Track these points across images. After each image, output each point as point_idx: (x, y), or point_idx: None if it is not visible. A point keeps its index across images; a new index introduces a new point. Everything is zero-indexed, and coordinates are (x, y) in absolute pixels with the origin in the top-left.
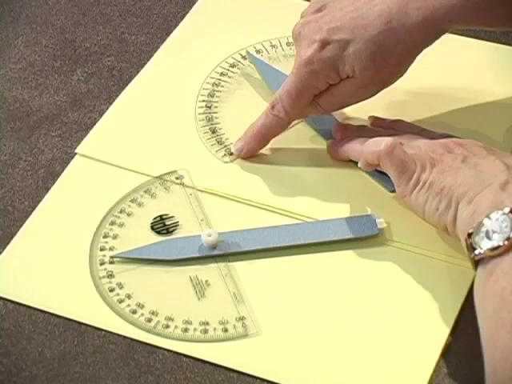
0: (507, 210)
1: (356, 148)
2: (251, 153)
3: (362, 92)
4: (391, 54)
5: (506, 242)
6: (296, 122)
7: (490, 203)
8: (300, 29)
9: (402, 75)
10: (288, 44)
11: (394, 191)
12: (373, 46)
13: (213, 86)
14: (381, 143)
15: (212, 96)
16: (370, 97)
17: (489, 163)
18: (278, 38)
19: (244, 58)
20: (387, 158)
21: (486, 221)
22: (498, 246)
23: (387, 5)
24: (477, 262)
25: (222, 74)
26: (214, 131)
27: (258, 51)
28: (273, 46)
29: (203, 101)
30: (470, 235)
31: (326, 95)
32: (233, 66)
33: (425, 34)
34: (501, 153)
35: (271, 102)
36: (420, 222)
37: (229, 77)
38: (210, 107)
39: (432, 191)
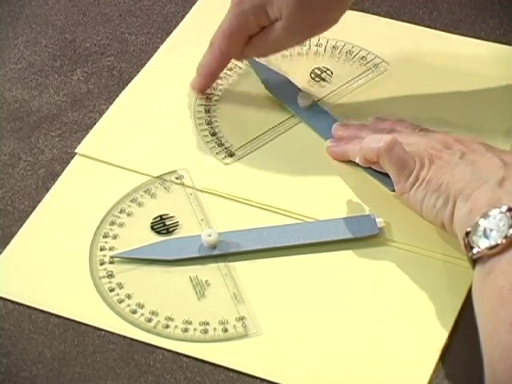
0: (505, 208)
1: (355, 148)
2: (203, 89)
3: (291, 36)
4: None
5: (503, 241)
6: (296, 122)
7: (488, 201)
8: None
9: (331, 23)
10: None
11: (394, 191)
12: None
13: (211, 89)
14: (380, 140)
15: (210, 99)
16: (300, 42)
17: (486, 160)
18: None
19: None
20: (386, 156)
21: (483, 219)
22: (496, 245)
23: None
24: (475, 261)
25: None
26: (213, 134)
27: None
28: None
29: (202, 104)
30: (467, 234)
31: (259, 37)
32: (230, 69)
33: None
34: (500, 150)
35: (210, 40)
36: (420, 222)
37: (226, 79)
38: (208, 110)
39: (430, 188)
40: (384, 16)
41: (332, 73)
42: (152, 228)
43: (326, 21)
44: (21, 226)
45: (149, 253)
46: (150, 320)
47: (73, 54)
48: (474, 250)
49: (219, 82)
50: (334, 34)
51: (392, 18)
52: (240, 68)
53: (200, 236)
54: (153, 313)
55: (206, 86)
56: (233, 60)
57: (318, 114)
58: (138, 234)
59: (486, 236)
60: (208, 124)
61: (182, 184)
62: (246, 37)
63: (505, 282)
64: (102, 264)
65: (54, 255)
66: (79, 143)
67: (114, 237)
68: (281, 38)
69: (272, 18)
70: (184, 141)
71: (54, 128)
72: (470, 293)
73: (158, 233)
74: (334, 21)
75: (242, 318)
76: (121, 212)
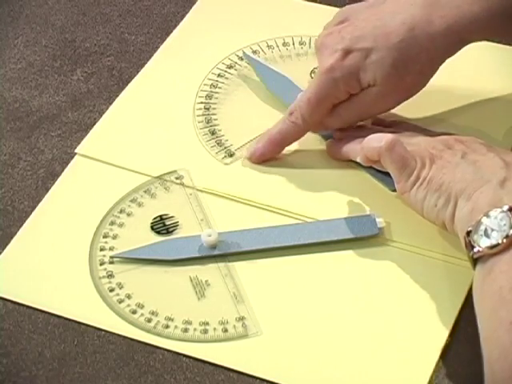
0: (506, 207)
1: (356, 148)
2: (264, 157)
3: (383, 102)
4: (414, 62)
5: (504, 240)
6: None
7: (489, 201)
8: (322, 39)
9: (423, 85)
10: (284, 44)
11: (394, 190)
12: (395, 53)
13: (210, 87)
14: (381, 139)
15: (210, 98)
16: (390, 108)
17: (488, 160)
18: (275, 38)
19: (241, 58)
20: (388, 155)
21: (484, 219)
22: (497, 244)
23: (411, 13)
24: (475, 261)
25: (219, 75)
26: (213, 133)
27: (254, 52)
28: (269, 47)
29: (201, 102)
30: (468, 233)
31: (347, 105)
32: (230, 67)
33: (448, 42)
34: (501, 150)
35: (290, 108)
36: (420, 222)
37: (226, 78)
38: (208, 109)
39: (431, 187)
40: None
41: None
42: (152, 228)
43: (419, 84)
44: (21, 226)
45: (149, 253)
46: (149, 320)
47: (73, 54)
48: (475, 249)
49: (219, 80)
50: None
51: None
52: (240, 66)
53: (200, 236)
54: (153, 313)
55: (271, 155)
56: (232, 58)
57: None
58: (137, 234)
59: (486, 235)
60: (208, 123)
61: (182, 184)
62: (331, 105)
63: (505, 281)
64: (101, 264)
65: (53, 255)
66: (79, 143)
67: (114, 237)
68: (372, 105)
69: (364, 84)
70: (184, 141)
71: (54, 128)
72: (470, 292)
73: (158, 233)
74: (426, 83)
75: (241, 318)
76: (121, 212)
